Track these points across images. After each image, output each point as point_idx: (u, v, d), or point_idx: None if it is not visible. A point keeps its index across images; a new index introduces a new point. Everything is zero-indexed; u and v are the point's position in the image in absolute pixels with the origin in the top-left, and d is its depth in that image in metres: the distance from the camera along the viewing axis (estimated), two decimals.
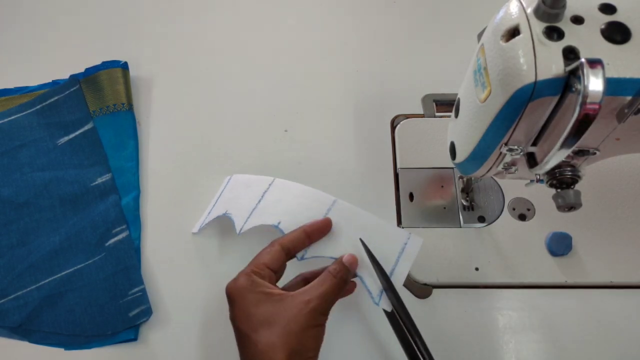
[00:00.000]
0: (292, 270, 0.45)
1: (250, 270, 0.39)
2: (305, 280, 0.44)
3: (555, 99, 0.33)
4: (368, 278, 0.42)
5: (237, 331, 0.38)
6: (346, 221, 0.44)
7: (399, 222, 0.54)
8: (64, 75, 0.64)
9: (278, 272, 0.41)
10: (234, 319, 0.38)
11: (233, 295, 0.39)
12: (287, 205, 0.46)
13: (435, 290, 0.50)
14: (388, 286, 0.41)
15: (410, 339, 0.41)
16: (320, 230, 0.43)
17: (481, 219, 0.53)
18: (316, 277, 0.43)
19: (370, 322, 0.49)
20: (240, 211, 0.49)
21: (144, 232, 0.55)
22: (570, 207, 0.39)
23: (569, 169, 0.38)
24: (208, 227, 0.54)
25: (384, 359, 0.47)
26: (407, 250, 0.43)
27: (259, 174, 0.58)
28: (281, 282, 0.44)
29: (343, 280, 0.40)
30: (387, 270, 0.42)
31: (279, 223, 0.45)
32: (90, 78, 0.63)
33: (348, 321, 0.49)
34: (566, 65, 0.31)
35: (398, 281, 0.41)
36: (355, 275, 0.42)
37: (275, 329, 0.36)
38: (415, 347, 0.40)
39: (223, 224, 0.55)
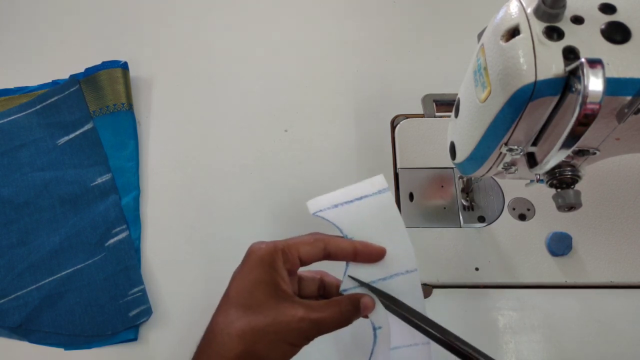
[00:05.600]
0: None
1: (282, 248, 0.36)
2: (321, 282, 0.40)
3: (555, 99, 0.33)
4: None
5: (229, 290, 0.36)
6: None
7: None
8: (64, 75, 0.64)
9: (305, 265, 0.38)
10: (235, 277, 0.36)
11: (250, 259, 0.36)
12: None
13: (435, 290, 0.50)
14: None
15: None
16: (370, 256, 0.38)
17: (481, 219, 0.53)
18: (332, 287, 0.40)
19: None
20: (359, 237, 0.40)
21: (144, 232, 0.55)
22: (570, 207, 0.39)
23: (569, 169, 0.38)
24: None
25: None
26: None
27: (259, 173, 0.58)
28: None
29: (347, 319, 0.36)
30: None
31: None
32: (90, 78, 0.63)
33: None
34: (566, 65, 0.31)
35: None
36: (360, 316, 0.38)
37: (255, 320, 0.34)
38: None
39: (223, 223, 0.55)
